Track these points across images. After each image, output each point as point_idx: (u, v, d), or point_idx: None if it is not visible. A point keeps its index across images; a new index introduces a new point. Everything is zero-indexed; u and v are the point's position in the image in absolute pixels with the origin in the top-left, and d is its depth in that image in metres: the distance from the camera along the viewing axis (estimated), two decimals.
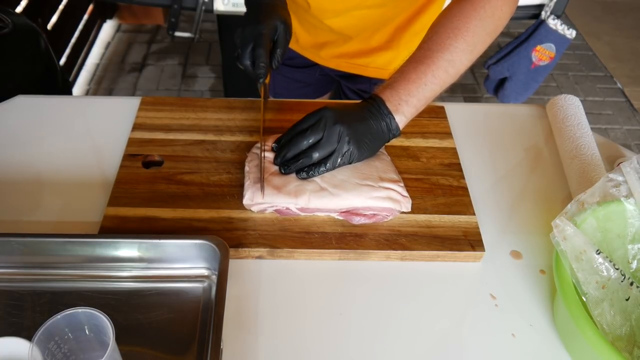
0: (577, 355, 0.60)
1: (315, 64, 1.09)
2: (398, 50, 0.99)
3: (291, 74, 1.14)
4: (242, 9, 0.82)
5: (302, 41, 1.05)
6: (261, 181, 0.71)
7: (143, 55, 2.57)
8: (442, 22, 0.72)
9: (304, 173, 0.70)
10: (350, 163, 0.71)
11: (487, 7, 0.70)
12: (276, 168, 0.73)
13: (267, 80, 0.76)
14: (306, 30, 1.02)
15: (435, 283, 0.68)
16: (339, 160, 0.69)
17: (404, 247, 0.69)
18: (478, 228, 0.72)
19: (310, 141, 0.69)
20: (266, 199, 0.70)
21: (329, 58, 1.05)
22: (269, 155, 0.74)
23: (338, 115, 0.69)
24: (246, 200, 0.70)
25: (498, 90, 1.76)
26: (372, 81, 1.05)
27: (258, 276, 0.67)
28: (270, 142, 0.75)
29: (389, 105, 0.69)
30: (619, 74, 2.66)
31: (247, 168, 0.74)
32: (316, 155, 0.69)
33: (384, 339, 0.62)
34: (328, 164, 0.69)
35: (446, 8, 0.74)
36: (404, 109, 0.70)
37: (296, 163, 0.70)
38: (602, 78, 2.64)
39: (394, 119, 0.69)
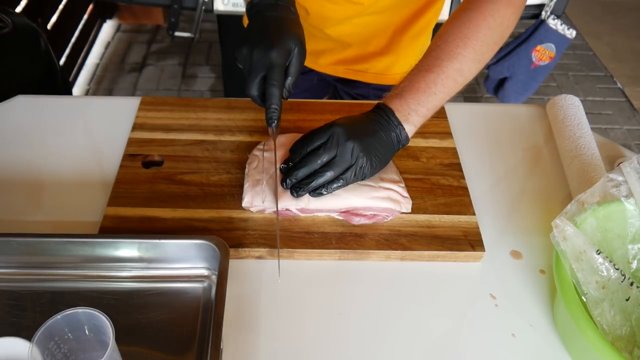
0: (577, 355, 0.60)
1: (313, 70, 1.07)
2: (397, 55, 0.98)
3: None
4: (243, 9, 0.81)
5: None
6: (266, 184, 0.71)
7: (143, 55, 2.57)
8: (450, 31, 0.70)
9: (320, 191, 0.68)
10: (362, 179, 0.69)
11: (497, 15, 0.69)
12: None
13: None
14: None
15: (435, 283, 0.68)
16: (353, 176, 0.68)
17: (404, 247, 0.69)
18: (478, 228, 0.72)
19: (324, 159, 0.67)
20: (266, 202, 0.70)
21: (327, 65, 1.03)
22: (268, 155, 0.74)
23: (349, 130, 0.67)
24: (245, 203, 0.71)
25: (498, 90, 1.76)
26: (371, 86, 1.03)
27: (258, 276, 0.67)
28: (274, 141, 0.75)
29: (398, 115, 0.68)
30: (619, 74, 2.66)
31: (247, 170, 0.74)
32: (330, 174, 0.67)
33: (384, 338, 0.62)
34: (342, 181, 0.68)
35: (454, 15, 0.71)
36: (413, 118, 0.68)
37: (310, 184, 0.67)
38: (602, 78, 2.64)
39: (404, 129, 0.68)
